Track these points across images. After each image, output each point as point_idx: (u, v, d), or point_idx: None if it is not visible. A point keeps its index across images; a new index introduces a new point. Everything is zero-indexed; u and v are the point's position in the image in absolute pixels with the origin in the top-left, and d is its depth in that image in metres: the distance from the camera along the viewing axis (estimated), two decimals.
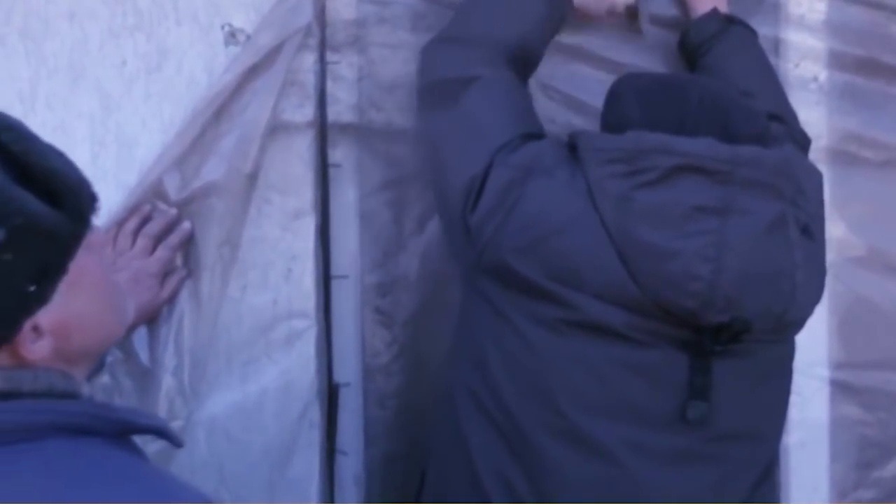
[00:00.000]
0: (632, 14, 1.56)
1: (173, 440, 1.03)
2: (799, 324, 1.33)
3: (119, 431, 0.96)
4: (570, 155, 1.30)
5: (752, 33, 1.56)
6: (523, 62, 1.44)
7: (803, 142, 1.51)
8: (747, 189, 1.21)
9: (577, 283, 1.23)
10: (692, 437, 1.25)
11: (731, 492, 1.29)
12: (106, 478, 0.88)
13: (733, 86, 1.40)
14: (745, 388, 1.28)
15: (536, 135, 1.37)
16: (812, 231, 1.31)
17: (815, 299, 1.35)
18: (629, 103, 1.30)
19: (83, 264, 0.95)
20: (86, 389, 0.97)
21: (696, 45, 1.55)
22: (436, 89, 1.41)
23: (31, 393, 0.92)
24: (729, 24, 1.54)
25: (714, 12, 1.54)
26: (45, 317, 0.91)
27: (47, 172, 0.91)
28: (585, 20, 1.56)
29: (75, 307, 0.94)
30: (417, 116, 1.46)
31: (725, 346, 1.22)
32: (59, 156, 0.95)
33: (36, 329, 0.91)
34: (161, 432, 1.02)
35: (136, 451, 1.01)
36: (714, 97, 1.28)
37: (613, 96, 1.34)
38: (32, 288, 0.90)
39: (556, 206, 1.25)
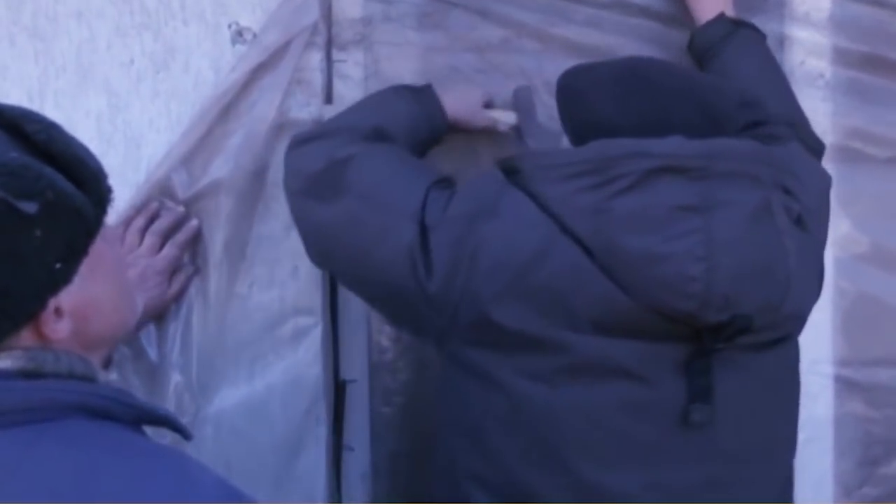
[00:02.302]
0: (517, 133, 1.53)
1: (184, 433, 1.05)
2: (798, 318, 1.29)
3: (136, 418, 0.97)
4: (506, 182, 1.23)
5: (761, 36, 1.54)
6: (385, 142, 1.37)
7: (816, 146, 1.47)
8: (726, 181, 1.17)
9: (568, 316, 1.16)
10: (707, 466, 1.21)
11: None
12: (132, 454, 0.90)
13: (686, 64, 1.39)
14: (754, 403, 1.24)
15: (443, 179, 1.30)
16: (806, 223, 1.26)
17: (814, 293, 1.32)
18: (599, 100, 1.23)
19: (101, 251, 0.97)
20: (102, 376, 0.99)
21: (703, 49, 1.52)
22: (310, 186, 1.32)
23: (54, 374, 0.93)
24: (736, 27, 1.51)
25: (721, 17, 1.51)
26: (67, 298, 0.93)
27: (71, 158, 0.94)
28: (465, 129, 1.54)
29: (94, 291, 0.97)
30: (300, 224, 1.37)
31: (728, 343, 1.18)
32: (81, 146, 0.98)
33: (58, 310, 0.93)
34: (173, 424, 1.03)
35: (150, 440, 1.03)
36: (683, 81, 1.24)
37: (573, 96, 1.27)
38: (59, 265, 0.92)
39: (518, 242, 1.18)
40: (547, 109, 1.56)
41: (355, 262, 1.29)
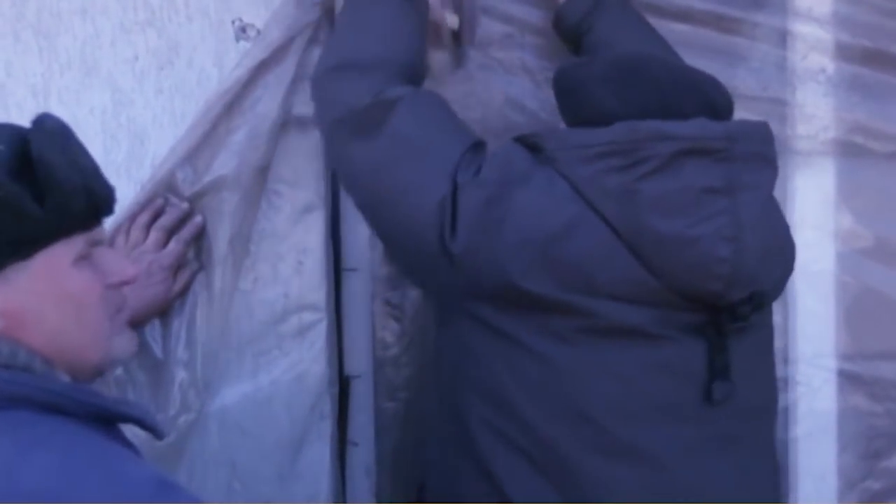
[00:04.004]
0: (455, 38, 1.53)
1: (155, 432, 1.05)
2: (784, 288, 1.35)
3: (93, 415, 0.97)
4: (533, 158, 1.25)
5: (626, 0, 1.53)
6: (417, 80, 1.38)
7: None
8: (747, 163, 1.20)
9: (591, 288, 1.19)
10: (722, 422, 1.24)
11: (758, 471, 1.30)
12: (54, 446, 0.90)
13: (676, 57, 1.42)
14: (755, 363, 1.29)
15: (480, 141, 1.31)
16: None
17: None
18: (601, 94, 1.24)
19: (70, 275, 0.99)
20: (64, 379, 0.99)
21: (573, 25, 1.50)
22: (350, 120, 1.30)
23: (6, 365, 0.95)
24: None
25: None
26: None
27: (41, 163, 0.96)
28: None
29: (38, 305, 0.97)
30: (332, 153, 1.36)
31: (746, 321, 1.21)
32: (63, 156, 0.99)
33: None
34: (142, 423, 1.04)
35: (119, 439, 1.03)
36: (682, 73, 1.26)
37: (573, 90, 1.28)
38: None
39: (547, 213, 1.20)
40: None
41: (382, 205, 1.29)
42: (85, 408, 0.96)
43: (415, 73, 1.37)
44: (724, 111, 1.25)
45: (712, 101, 1.24)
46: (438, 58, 1.55)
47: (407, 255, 1.33)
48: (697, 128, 1.19)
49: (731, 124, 1.23)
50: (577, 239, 1.19)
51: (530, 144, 1.27)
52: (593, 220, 1.19)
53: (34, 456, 0.88)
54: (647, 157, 1.17)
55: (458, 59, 1.55)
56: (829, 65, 1.60)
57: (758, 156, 1.23)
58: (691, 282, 1.19)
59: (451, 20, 1.51)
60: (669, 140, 1.17)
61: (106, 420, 1.00)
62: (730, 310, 1.21)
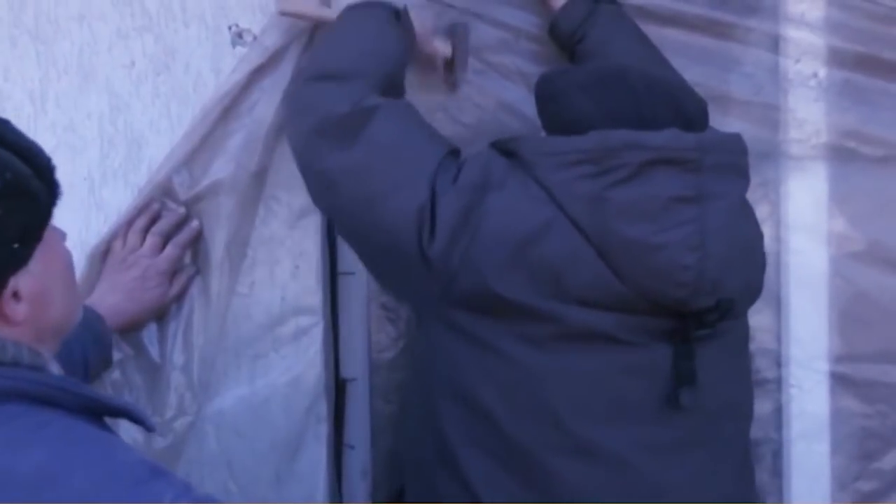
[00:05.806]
0: (448, 65, 1.54)
1: (145, 424, 1.07)
2: (759, 294, 1.37)
3: (83, 407, 0.99)
4: (508, 163, 1.27)
5: (619, 7, 1.55)
6: (394, 94, 1.38)
7: None
8: (717, 173, 1.23)
9: (562, 292, 1.22)
10: (688, 423, 1.27)
11: (724, 472, 1.32)
12: (49, 435, 0.91)
13: (664, 69, 1.45)
14: (723, 365, 1.31)
15: (456, 149, 1.34)
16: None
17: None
18: (580, 100, 1.27)
19: (53, 242, 1.01)
20: (54, 368, 1.01)
21: (569, 33, 1.52)
22: (327, 128, 1.31)
23: None
24: (596, 4, 1.52)
25: None
26: (25, 282, 0.97)
27: (25, 147, 0.98)
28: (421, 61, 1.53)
29: (48, 280, 1.00)
30: (305, 162, 1.36)
31: (712, 328, 1.24)
32: (31, 139, 1.01)
33: (16, 294, 0.96)
34: (132, 416, 1.05)
35: (109, 432, 1.04)
36: (658, 84, 1.29)
37: (554, 96, 1.31)
38: (17, 245, 0.95)
39: (521, 216, 1.23)
40: None
41: (359, 212, 1.30)
42: (76, 399, 0.98)
43: (392, 87, 1.38)
44: (698, 121, 1.28)
45: (687, 111, 1.27)
46: (433, 83, 1.56)
47: (384, 261, 1.34)
48: (669, 138, 1.21)
49: (704, 135, 1.25)
50: (549, 241, 1.21)
51: (506, 150, 1.29)
52: (565, 223, 1.21)
53: (29, 446, 0.89)
54: (618, 166, 1.20)
55: (453, 85, 1.56)
56: (822, 70, 1.61)
57: (729, 166, 1.26)
58: (656, 288, 1.21)
59: (444, 48, 1.53)
60: (640, 149, 1.20)
61: (96, 413, 1.02)
62: (696, 317, 1.24)
